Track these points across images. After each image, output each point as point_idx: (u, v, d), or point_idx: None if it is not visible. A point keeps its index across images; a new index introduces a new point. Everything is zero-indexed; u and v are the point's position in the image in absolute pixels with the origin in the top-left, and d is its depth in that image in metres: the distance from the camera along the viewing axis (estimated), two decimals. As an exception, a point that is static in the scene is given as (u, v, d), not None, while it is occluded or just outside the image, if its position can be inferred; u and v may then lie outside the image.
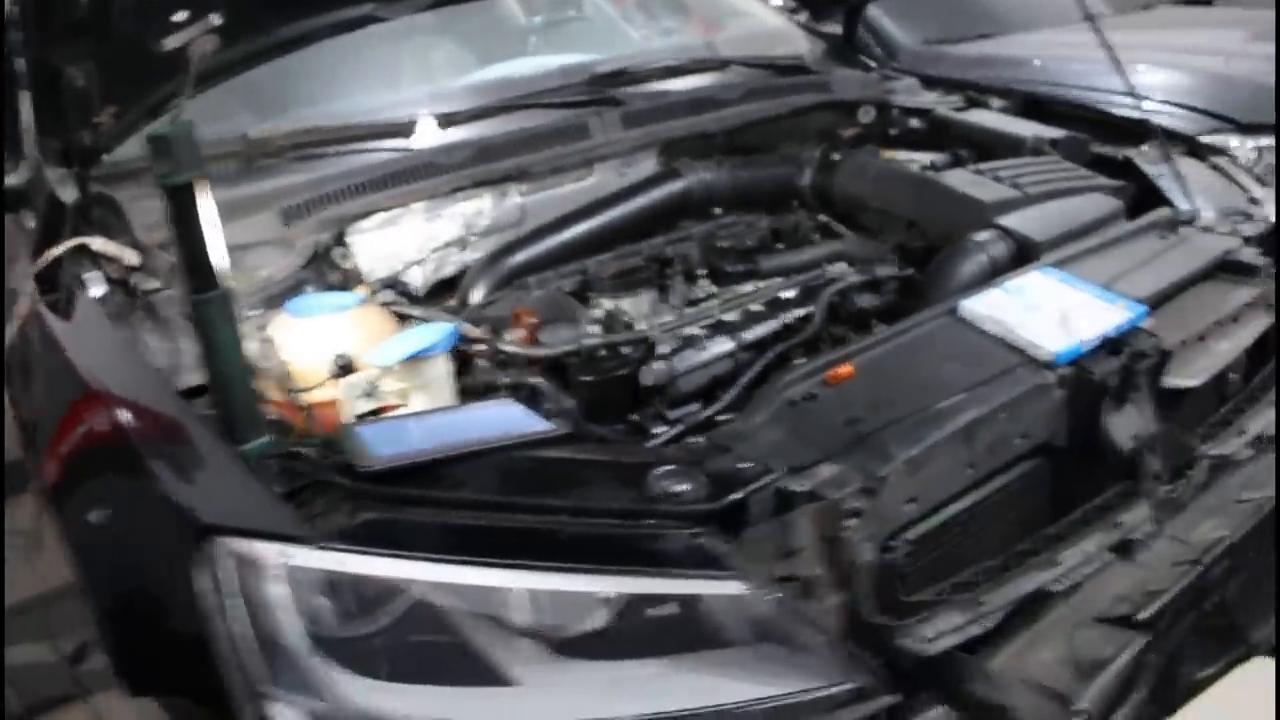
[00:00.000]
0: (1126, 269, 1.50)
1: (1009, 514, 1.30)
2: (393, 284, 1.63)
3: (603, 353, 1.46)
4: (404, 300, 1.62)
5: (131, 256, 1.64)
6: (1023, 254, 1.56)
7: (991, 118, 2.08)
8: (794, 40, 2.43)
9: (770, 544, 1.08)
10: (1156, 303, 1.46)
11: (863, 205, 1.85)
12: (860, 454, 1.14)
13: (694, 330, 1.51)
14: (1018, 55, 3.56)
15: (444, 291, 1.78)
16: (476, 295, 1.70)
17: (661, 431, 1.38)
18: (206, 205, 1.13)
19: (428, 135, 1.87)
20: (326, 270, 1.64)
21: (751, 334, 1.50)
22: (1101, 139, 2.02)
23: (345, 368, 1.35)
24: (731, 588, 1.04)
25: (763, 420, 1.21)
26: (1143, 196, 1.81)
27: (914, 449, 1.14)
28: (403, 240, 1.73)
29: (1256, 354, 1.60)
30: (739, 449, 1.16)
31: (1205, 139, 2.97)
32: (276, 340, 1.43)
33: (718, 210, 1.93)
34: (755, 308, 1.56)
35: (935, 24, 3.80)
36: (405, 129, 1.87)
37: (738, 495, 1.08)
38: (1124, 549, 1.31)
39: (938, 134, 2.07)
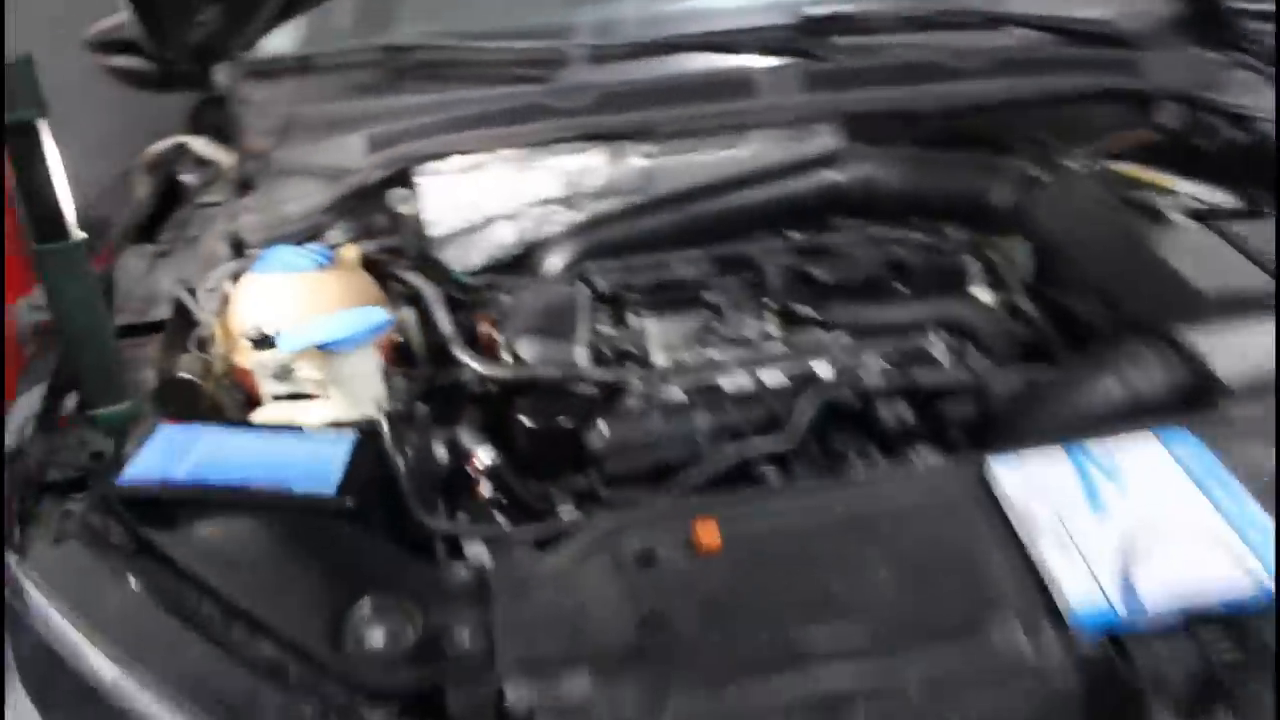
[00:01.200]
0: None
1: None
2: (396, 248, 1.38)
3: (572, 389, 1.15)
4: (431, 265, 1.39)
5: (227, 160, 1.60)
6: (1196, 393, 0.94)
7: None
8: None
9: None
10: None
11: (1057, 250, 1.25)
12: (630, 677, 0.74)
13: (678, 391, 1.11)
14: None
15: None
16: (553, 265, 1.43)
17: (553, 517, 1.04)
18: (50, 147, 1.01)
19: (570, 71, 1.59)
20: (373, 214, 1.46)
21: (733, 417, 1.07)
22: None
23: (260, 341, 1.17)
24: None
25: (572, 566, 0.84)
26: None
27: (711, 701, 0.72)
28: (485, 190, 1.49)
29: None
30: (507, 602, 0.81)
31: None
32: (232, 294, 1.29)
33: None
34: (774, 379, 1.11)
35: None
36: (545, 59, 1.61)
37: (421, 682, 0.76)
38: None
39: (1260, 160, 1.33)
